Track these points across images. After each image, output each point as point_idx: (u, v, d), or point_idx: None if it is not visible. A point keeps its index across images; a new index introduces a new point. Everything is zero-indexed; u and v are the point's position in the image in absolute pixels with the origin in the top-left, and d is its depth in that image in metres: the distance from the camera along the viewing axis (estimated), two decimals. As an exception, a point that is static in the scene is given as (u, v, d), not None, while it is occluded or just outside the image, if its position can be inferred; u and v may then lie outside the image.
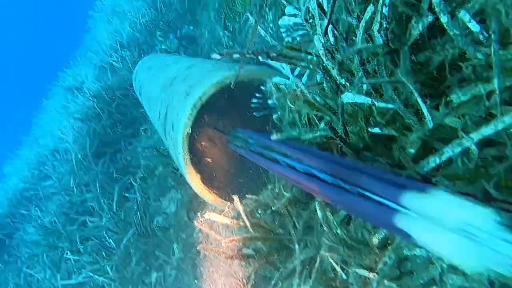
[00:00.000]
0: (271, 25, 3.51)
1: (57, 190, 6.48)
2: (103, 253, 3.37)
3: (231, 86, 1.85)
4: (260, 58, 1.49)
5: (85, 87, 7.93)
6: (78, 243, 4.81)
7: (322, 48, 1.32)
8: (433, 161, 1.03)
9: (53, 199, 7.03)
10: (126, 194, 4.71)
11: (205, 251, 1.59)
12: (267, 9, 3.50)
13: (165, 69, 3.53)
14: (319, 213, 1.40)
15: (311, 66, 1.49)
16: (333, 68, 1.29)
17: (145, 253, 3.23)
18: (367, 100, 1.12)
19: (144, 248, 3.23)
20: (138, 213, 3.52)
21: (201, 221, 1.74)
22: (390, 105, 1.12)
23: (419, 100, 1.10)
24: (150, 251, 3.28)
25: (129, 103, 6.65)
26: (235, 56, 1.56)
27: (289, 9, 2.43)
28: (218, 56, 1.56)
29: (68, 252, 4.92)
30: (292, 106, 1.60)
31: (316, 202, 1.42)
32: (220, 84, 2.11)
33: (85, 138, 6.53)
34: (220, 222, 1.64)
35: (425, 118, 1.13)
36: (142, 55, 7.07)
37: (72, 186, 6.15)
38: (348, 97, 1.16)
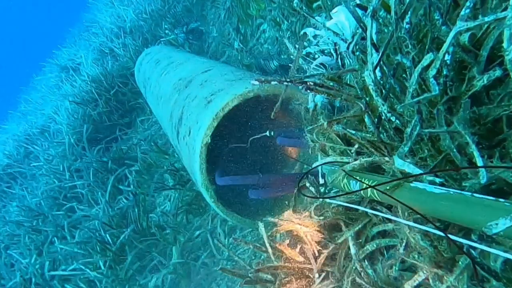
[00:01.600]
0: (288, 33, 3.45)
1: (46, 172, 6.28)
2: (97, 247, 3.26)
3: (272, 116, 1.79)
4: (300, 87, 1.43)
5: (84, 70, 7.70)
6: (66, 230, 4.67)
7: (372, 84, 1.28)
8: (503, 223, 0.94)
9: (40, 181, 6.83)
10: (120, 186, 4.59)
11: (224, 272, 1.53)
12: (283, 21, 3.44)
13: (178, 68, 3.43)
14: (353, 249, 1.35)
15: (348, 98, 1.44)
16: (383, 105, 1.25)
17: (140, 252, 3.15)
18: (416, 171, 1.08)
19: (139, 247, 3.14)
20: (136, 209, 3.42)
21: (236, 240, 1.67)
22: (437, 180, 1.09)
23: (476, 153, 1.07)
24: (146, 250, 3.19)
25: (127, 91, 6.50)
26: (273, 83, 1.50)
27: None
28: (256, 83, 1.49)
29: (55, 238, 4.78)
30: (318, 140, 1.56)
31: (350, 236, 1.38)
32: (244, 96, 2.05)
33: (80, 122, 6.35)
34: (243, 245, 1.58)
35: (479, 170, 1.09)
36: (146, 46, 6.90)
37: (62, 170, 5.98)
38: (398, 163, 1.12)
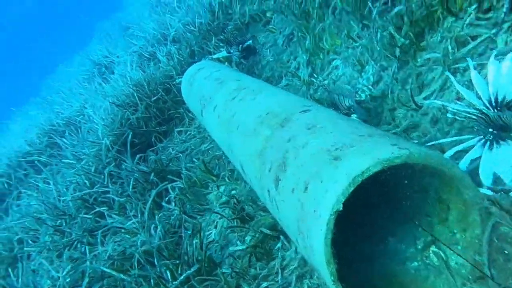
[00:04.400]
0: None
1: (76, 170, 5.81)
2: (151, 282, 2.80)
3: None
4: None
5: (121, 70, 7.29)
6: (99, 241, 4.21)
7: None
8: None
9: (65, 176, 6.35)
10: (164, 204, 4.16)
11: None
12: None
13: (257, 97, 3.04)
14: None
15: None
16: None
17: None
18: None
19: None
20: (195, 241, 2.99)
21: None
22: None
23: None
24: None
25: (169, 100, 6.09)
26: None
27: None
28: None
29: (86, 247, 4.30)
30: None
31: None
32: (389, 163, 1.64)
33: (117, 124, 5.91)
34: None
35: None
36: (193, 58, 6.52)
37: (94, 171, 5.52)
38: None
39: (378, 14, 3.01)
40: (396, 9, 2.77)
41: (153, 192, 4.25)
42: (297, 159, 2.04)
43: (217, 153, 4.73)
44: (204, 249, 3.16)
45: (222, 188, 4.07)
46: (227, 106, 3.37)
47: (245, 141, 2.75)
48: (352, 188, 1.65)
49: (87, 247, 4.09)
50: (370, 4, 3.13)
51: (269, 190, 2.28)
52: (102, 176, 5.26)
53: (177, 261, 2.99)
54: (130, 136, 4.88)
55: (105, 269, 3.07)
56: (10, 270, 5.35)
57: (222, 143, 3.44)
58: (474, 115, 2.04)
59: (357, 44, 3.49)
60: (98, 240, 4.18)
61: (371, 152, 1.70)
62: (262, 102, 2.91)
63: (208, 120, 3.88)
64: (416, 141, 2.32)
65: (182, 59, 6.36)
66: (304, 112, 2.45)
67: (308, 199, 1.83)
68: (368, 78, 3.16)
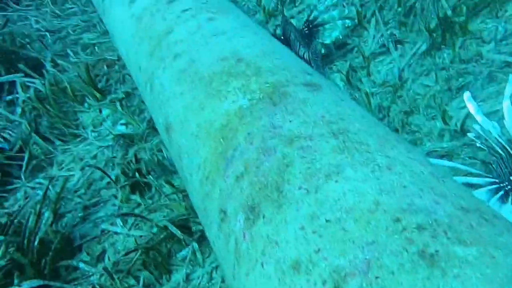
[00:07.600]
0: None
1: None
2: None
3: None
4: None
5: None
6: None
7: None
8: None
9: None
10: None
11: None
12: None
13: (215, 17, 1.66)
14: None
15: None
16: None
17: None
18: None
19: None
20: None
21: None
22: None
23: None
24: None
25: None
26: None
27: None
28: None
29: None
30: None
31: None
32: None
33: None
34: None
35: None
36: None
37: None
38: None
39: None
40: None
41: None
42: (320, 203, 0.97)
43: (108, 56, 3.11)
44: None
45: (105, 112, 2.65)
46: (159, 10, 1.86)
47: (191, 90, 1.46)
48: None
49: None
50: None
51: (225, 213, 1.17)
52: None
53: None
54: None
55: None
56: None
57: (134, 63, 1.97)
58: (496, 151, 1.47)
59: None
60: None
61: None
62: (226, 33, 1.59)
63: (116, 14, 2.22)
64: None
65: None
66: (312, 88, 1.31)
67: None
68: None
